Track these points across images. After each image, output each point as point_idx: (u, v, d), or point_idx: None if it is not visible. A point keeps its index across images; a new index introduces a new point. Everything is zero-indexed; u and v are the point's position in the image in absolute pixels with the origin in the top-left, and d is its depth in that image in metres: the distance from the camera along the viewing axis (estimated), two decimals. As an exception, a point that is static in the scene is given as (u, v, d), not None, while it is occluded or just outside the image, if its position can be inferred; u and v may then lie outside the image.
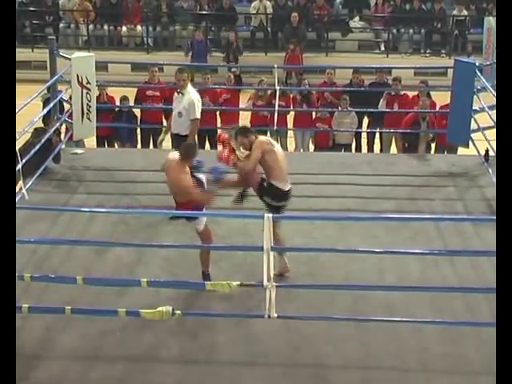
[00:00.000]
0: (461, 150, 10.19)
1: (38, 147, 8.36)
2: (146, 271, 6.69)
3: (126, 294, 6.31)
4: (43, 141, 8.54)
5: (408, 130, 10.31)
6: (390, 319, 5.96)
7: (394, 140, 11.15)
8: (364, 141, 11.47)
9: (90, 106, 9.29)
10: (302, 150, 11.25)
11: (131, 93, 11.19)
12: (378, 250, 6.55)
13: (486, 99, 9.10)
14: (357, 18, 18.19)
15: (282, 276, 6.58)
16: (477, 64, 9.24)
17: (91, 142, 10.78)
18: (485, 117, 8.97)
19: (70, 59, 9.22)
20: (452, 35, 17.54)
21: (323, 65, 15.38)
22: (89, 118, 9.33)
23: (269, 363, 5.74)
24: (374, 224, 7.52)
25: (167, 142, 8.56)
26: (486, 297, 6.10)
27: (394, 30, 17.83)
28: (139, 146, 11.19)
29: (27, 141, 8.55)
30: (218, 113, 11.18)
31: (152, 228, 7.58)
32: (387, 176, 9.09)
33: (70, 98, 9.33)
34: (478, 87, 9.24)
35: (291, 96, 11.46)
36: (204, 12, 17.93)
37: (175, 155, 6.57)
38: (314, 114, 11.17)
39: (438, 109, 10.67)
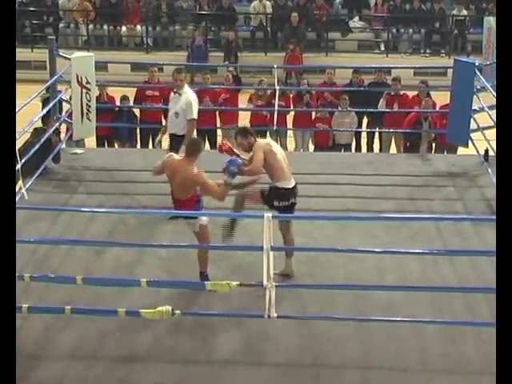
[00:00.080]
0: (460, 150, 10.20)
1: (37, 147, 8.35)
2: (145, 271, 6.68)
3: (126, 293, 6.31)
4: (43, 141, 8.54)
5: (410, 130, 10.32)
6: (390, 319, 5.96)
7: (393, 140, 11.18)
8: (364, 141, 11.48)
9: (89, 106, 9.29)
10: (301, 150, 11.25)
11: (131, 93, 11.20)
12: (377, 250, 6.56)
13: (485, 99, 9.11)
14: (356, 18, 18.19)
15: (285, 276, 6.59)
16: (476, 64, 9.24)
17: (91, 141, 10.78)
18: (484, 117, 8.98)
19: (69, 59, 9.22)
20: (452, 35, 17.54)
21: (323, 65, 15.37)
22: (88, 118, 9.33)
23: (269, 363, 5.74)
24: (373, 224, 7.52)
25: (165, 142, 8.55)
26: (486, 297, 6.10)
27: (394, 30, 17.83)
28: (139, 145, 11.18)
29: (27, 141, 8.55)
30: (217, 113, 11.18)
31: (152, 228, 7.58)
32: (387, 176, 9.10)
33: (70, 97, 9.34)
34: (478, 87, 9.24)
35: (291, 96, 11.46)
36: (204, 12, 17.93)
37: (175, 156, 6.57)
38: (313, 113, 11.17)
39: (437, 109, 10.67)
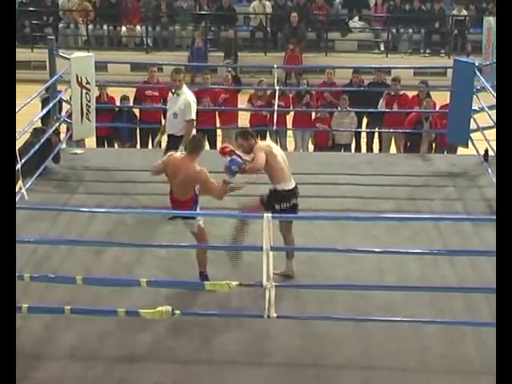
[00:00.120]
0: (460, 150, 10.19)
1: (37, 147, 8.35)
2: (145, 271, 6.68)
3: (126, 293, 6.30)
4: (42, 141, 8.54)
5: (410, 130, 10.33)
6: (389, 319, 5.96)
7: (393, 140, 11.18)
8: (364, 141, 11.47)
9: (89, 106, 9.29)
10: (301, 150, 11.25)
11: (131, 93, 11.19)
12: (377, 250, 6.56)
13: (485, 99, 9.11)
14: (356, 18, 18.20)
15: (286, 277, 6.59)
16: (476, 64, 9.24)
17: (91, 142, 10.78)
18: (484, 117, 8.98)
19: (69, 59, 9.22)
20: (451, 35, 17.55)
21: (323, 65, 15.36)
22: (88, 119, 9.33)
23: (269, 363, 5.74)
24: (373, 224, 7.53)
25: (165, 142, 8.54)
26: (486, 297, 6.10)
27: (394, 30, 17.84)
28: (138, 145, 11.18)
29: (26, 141, 8.55)
30: (217, 113, 11.18)
31: (151, 228, 7.57)
32: (387, 176, 9.10)
33: (70, 98, 9.33)
34: (478, 87, 9.24)
35: (290, 96, 11.46)
36: (203, 12, 17.93)
37: (177, 154, 6.56)
38: (313, 114, 11.17)
39: (437, 109, 10.67)
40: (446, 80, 11.74)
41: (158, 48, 17.88)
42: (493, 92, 8.40)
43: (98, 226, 7.52)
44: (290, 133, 11.33)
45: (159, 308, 5.71)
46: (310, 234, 7.26)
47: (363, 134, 11.41)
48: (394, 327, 5.99)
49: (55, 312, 5.93)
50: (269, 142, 7.06)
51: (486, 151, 9.14)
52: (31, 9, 18.21)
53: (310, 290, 6.48)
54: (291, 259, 6.67)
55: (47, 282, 6.17)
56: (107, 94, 10.93)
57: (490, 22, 10.56)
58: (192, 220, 6.44)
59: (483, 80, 9.07)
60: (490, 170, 8.54)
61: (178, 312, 5.76)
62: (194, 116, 7.98)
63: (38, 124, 9.16)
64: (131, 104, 11.01)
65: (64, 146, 9.79)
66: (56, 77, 9.44)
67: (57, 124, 9.28)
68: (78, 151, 9.85)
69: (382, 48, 17.84)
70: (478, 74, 9.15)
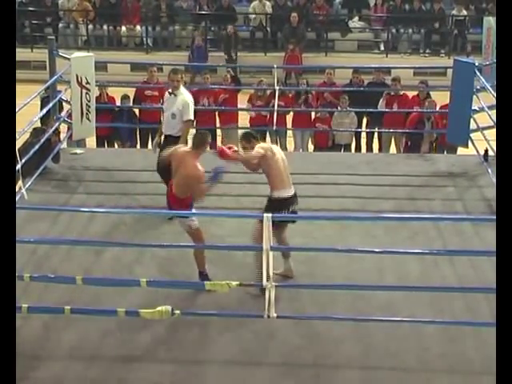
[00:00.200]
0: (460, 150, 10.19)
1: (37, 147, 8.35)
2: (145, 271, 6.69)
3: (126, 293, 6.30)
4: (42, 141, 8.54)
5: (412, 130, 10.33)
6: (389, 319, 5.96)
7: (393, 140, 11.18)
8: (364, 141, 11.47)
9: (89, 107, 9.29)
10: (301, 150, 11.25)
11: (130, 93, 11.19)
12: (377, 250, 6.55)
13: (485, 99, 9.11)
14: (356, 18, 18.20)
15: (285, 278, 6.58)
16: (476, 64, 9.24)
17: (92, 141, 10.78)
18: (484, 117, 8.98)
19: (69, 59, 9.22)
20: (451, 35, 17.55)
21: (322, 65, 15.36)
22: (88, 119, 9.33)
23: (269, 363, 5.74)
24: (373, 224, 7.53)
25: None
26: (486, 297, 6.10)
27: (394, 30, 17.84)
28: (138, 145, 11.18)
29: (26, 141, 8.54)
30: (216, 113, 11.18)
31: (151, 228, 7.57)
32: (387, 176, 9.10)
33: (70, 98, 9.33)
34: (478, 87, 9.24)
35: (290, 96, 11.45)
36: (203, 12, 17.94)
37: (183, 148, 6.53)
38: (313, 114, 11.17)
39: (438, 109, 10.67)
40: (445, 80, 11.74)
41: (158, 48, 17.89)
42: (493, 92, 8.39)
43: (97, 226, 7.52)
44: (289, 133, 11.33)
45: (159, 308, 5.70)
46: (309, 234, 7.26)
47: (363, 134, 11.41)
48: (394, 327, 5.99)
49: (55, 312, 5.93)
50: (273, 145, 6.96)
51: (486, 151, 9.15)
52: (31, 9, 18.22)
53: (310, 290, 6.48)
54: (288, 259, 6.65)
55: (47, 282, 6.17)
56: (107, 94, 10.93)
57: (490, 22, 10.56)
58: (185, 219, 6.42)
59: (483, 80, 9.07)
60: (489, 170, 8.54)
61: (177, 312, 5.76)
62: (192, 116, 7.96)
63: (38, 124, 9.16)
64: (131, 104, 11.00)
65: (65, 146, 9.80)
66: (56, 77, 9.43)
67: (56, 124, 9.27)
68: (78, 151, 9.85)
69: (382, 48, 17.84)
70: (478, 74, 9.15)
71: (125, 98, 10.96)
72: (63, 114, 9.72)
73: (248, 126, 10.87)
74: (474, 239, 7.35)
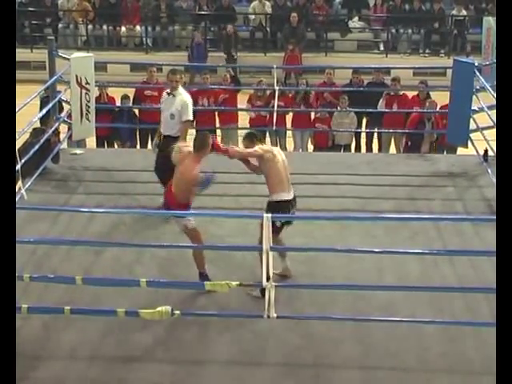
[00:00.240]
0: (460, 150, 10.20)
1: (37, 147, 8.35)
2: (145, 271, 6.68)
3: (125, 294, 6.30)
4: (42, 141, 8.53)
5: (412, 130, 10.34)
6: (389, 319, 5.96)
7: (393, 140, 11.18)
8: (363, 141, 11.47)
9: (88, 107, 9.28)
10: (301, 151, 11.25)
11: (130, 93, 11.19)
12: (377, 250, 6.55)
13: (485, 99, 9.11)
14: (356, 18, 18.21)
15: (283, 278, 6.58)
16: (476, 64, 9.24)
17: (92, 142, 10.78)
18: (484, 117, 8.98)
19: (69, 59, 9.21)
20: (451, 35, 17.56)
21: (322, 65, 15.36)
22: (88, 119, 9.33)
23: (269, 363, 5.74)
24: (373, 224, 7.52)
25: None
26: (486, 297, 6.10)
27: (393, 30, 17.85)
28: (138, 145, 11.18)
29: (26, 141, 8.54)
30: (216, 113, 11.18)
31: (151, 228, 7.56)
32: (386, 176, 9.09)
33: (70, 98, 9.33)
34: (477, 87, 9.24)
35: (290, 96, 11.45)
36: (203, 12, 17.94)
37: (187, 148, 6.51)
38: (313, 114, 11.17)
39: (438, 109, 10.67)
40: (445, 80, 11.74)
41: (158, 48, 17.89)
42: (492, 92, 8.40)
43: (97, 226, 7.52)
44: (289, 133, 11.33)
45: (159, 308, 5.70)
46: (309, 234, 7.26)
47: (363, 134, 11.41)
48: (394, 327, 5.99)
49: (55, 312, 5.93)
50: (274, 148, 6.92)
51: (486, 151, 9.15)
52: (31, 9, 18.22)
53: (310, 290, 6.48)
54: (285, 259, 6.63)
55: (47, 282, 6.17)
56: (107, 94, 10.93)
57: (490, 22, 10.57)
58: (181, 218, 6.41)
59: (483, 80, 9.07)
60: (489, 170, 8.54)
61: (177, 312, 5.76)
62: (191, 117, 7.95)
63: (38, 124, 9.15)
64: (131, 104, 11.00)
65: (65, 146, 9.80)
66: (56, 77, 9.43)
67: (56, 124, 9.27)
68: (78, 151, 9.84)
69: (382, 48, 17.85)
70: (478, 74, 9.15)
71: (125, 98, 10.96)
72: (63, 114, 9.71)
73: (248, 126, 10.87)
74: (474, 239, 7.35)
